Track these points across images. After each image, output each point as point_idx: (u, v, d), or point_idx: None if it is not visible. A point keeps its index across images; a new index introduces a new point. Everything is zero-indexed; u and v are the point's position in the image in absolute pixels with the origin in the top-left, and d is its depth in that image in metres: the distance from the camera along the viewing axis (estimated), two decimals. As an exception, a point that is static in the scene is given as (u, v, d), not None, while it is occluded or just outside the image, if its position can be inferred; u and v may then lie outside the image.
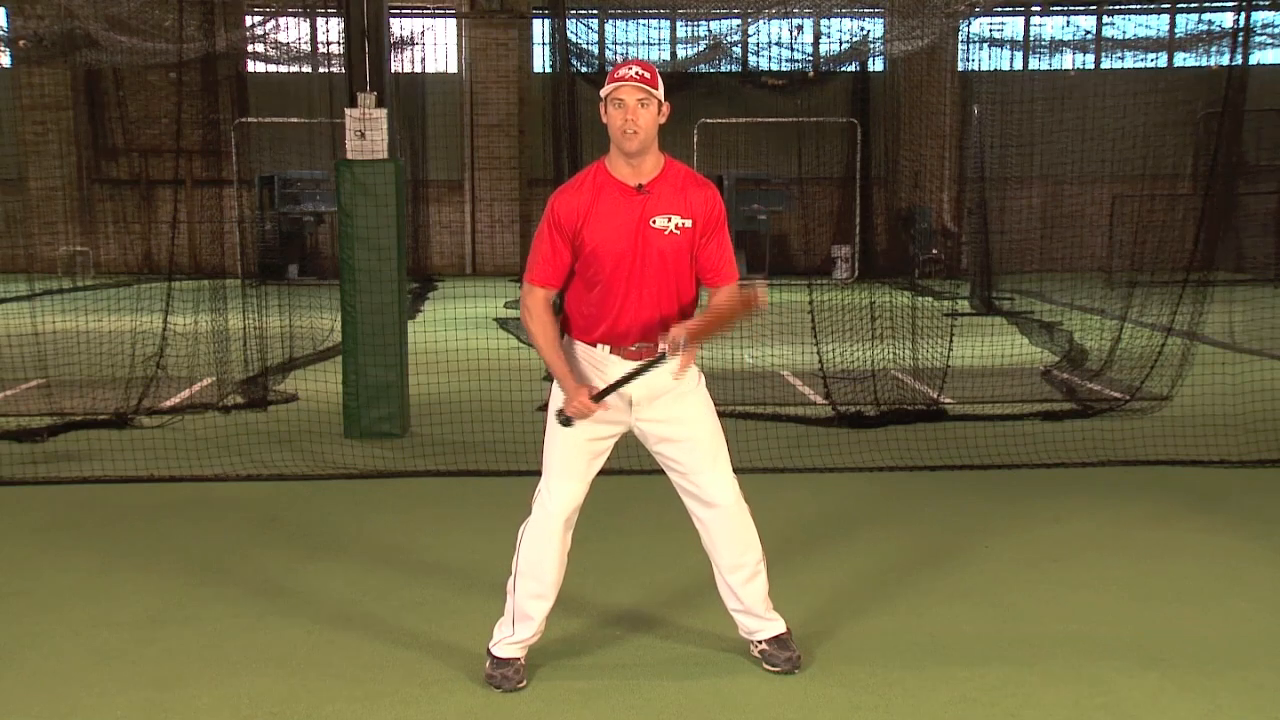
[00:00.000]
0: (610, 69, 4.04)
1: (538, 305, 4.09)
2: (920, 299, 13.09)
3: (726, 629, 4.47)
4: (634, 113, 3.91)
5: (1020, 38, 23.94)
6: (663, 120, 4.01)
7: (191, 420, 8.77)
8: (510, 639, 4.20)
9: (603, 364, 4.09)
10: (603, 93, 3.97)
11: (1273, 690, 4.16)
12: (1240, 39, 9.59)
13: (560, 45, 11.31)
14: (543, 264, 4.08)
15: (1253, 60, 11.65)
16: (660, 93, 3.96)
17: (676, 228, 4.01)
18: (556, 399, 4.18)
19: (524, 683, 4.16)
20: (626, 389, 4.06)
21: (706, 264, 4.08)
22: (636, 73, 3.93)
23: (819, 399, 9.29)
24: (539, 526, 4.15)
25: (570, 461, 4.14)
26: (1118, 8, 23.84)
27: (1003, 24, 22.74)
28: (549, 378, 4.23)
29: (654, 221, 4.00)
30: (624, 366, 4.06)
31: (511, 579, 4.20)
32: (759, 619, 4.31)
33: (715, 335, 4.19)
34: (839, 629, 4.68)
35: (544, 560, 4.15)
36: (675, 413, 4.13)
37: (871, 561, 5.58)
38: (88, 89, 23.42)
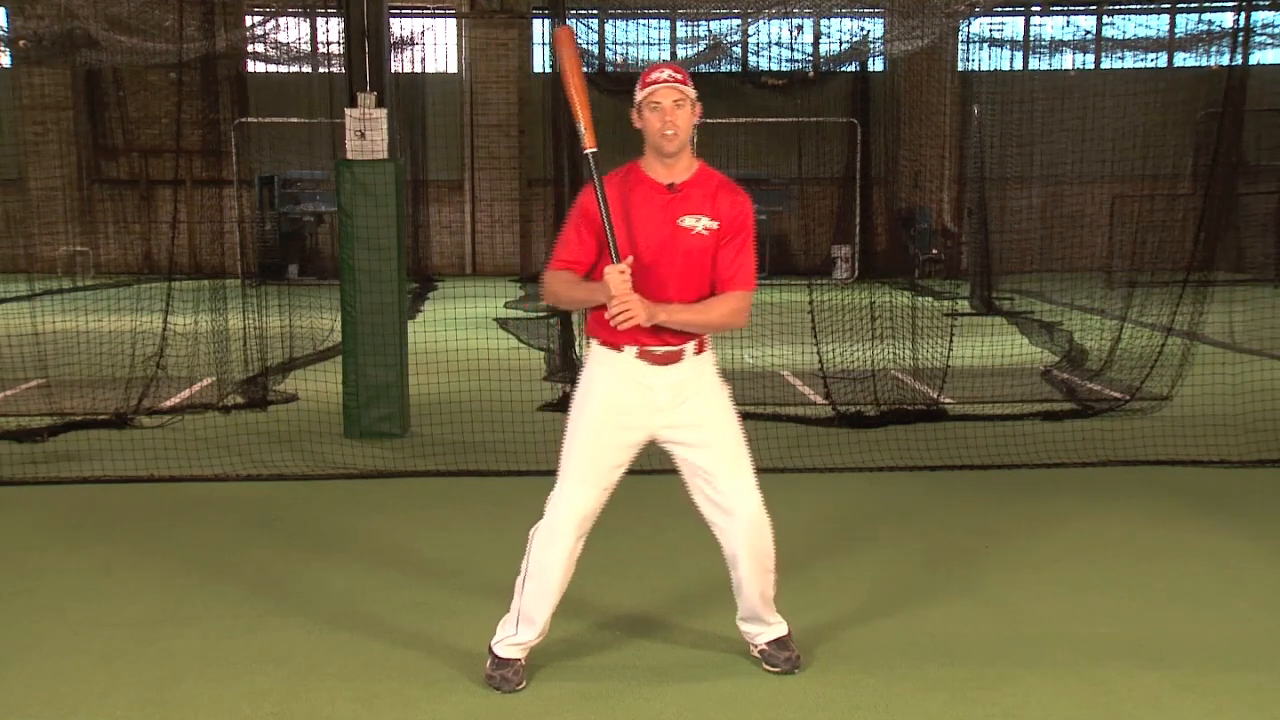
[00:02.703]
0: (641, 75, 4.05)
1: (557, 271, 4.08)
2: (920, 299, 13.08)
3: (726, 630, 4.47)
4: (671, 114, 3.95)
5: (1020, 38, 23.94)
6: (696, 120, 4.04)
7: (191, 420, 8.77)
8: (512, 639, 4.19)
9: (628, 369, 4.06)
10: (636, 98, 4.01)
11: (1273, 690, 4.16)
12: (1240, 39, 9.59)
13: (560, 45, 11.29)
14: (564, 250, 4.09)
15: (1253, 60, 11.65)
16: (693, 93, 4.00)
17: (704, 229, 4.02)
18: (581, 399, 4.14)
19: (524, 684, 4.16)
20: (652, 394, 4.04)
21: (719, 267, 4.06)
22: (669, 75, 3.98)
23: (819, 399, 9.29)
24: (549, 529, 4.12)
25: (587, 466, 4.10)
26: (1118, 8, 23.84)
27: (1003, 24, 22.74)
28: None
29: (682, 220, 4.02)
30: (649, 371, 4.05)
31: (521, 578, 4.18)
32: (763, 623, 4.31)
33: (685, 328, 4.07)
34: (839, 629, 4.68)
35: (552, 564, 4.12)
36: (698, 417, 4.11)
37: (871, 561, 5.58)
38: (88, 89, 23.41)
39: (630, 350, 4.05)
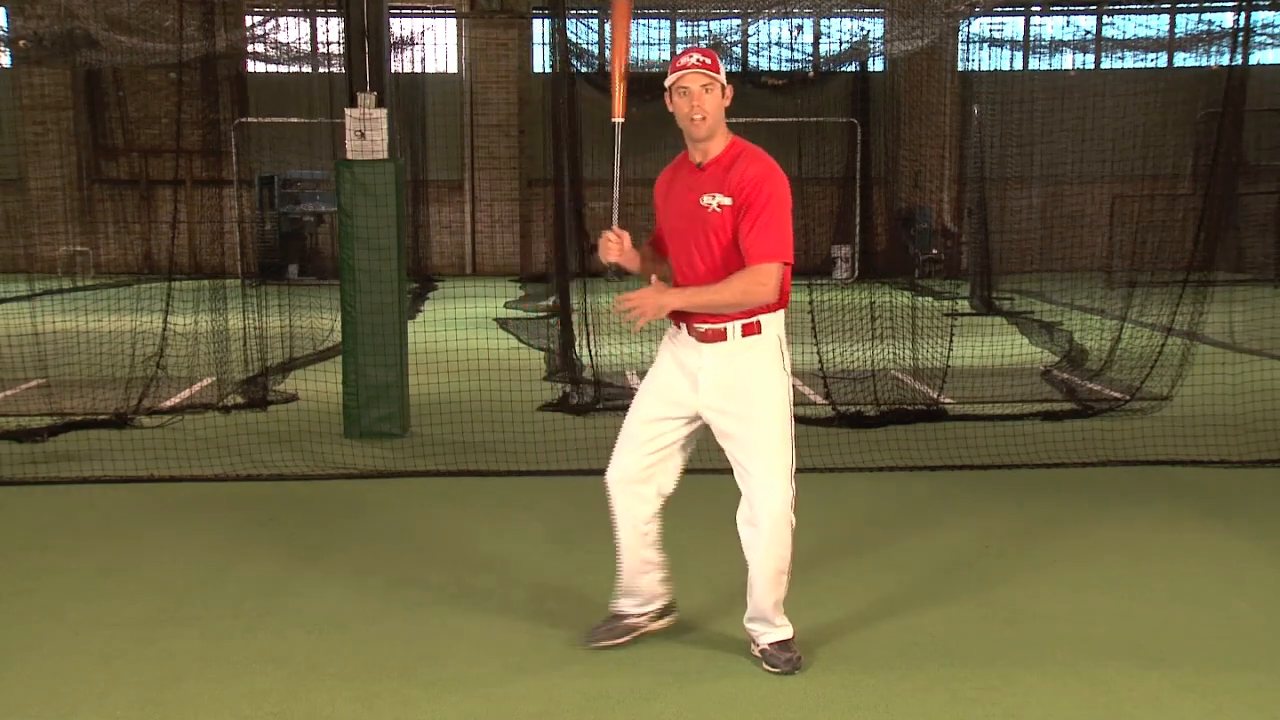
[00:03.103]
0: (671, 60, 4.14)
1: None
2: (920, 299, 13.09)
3: (726, 630, 4.48)
4: (699, 99, 4.03)
5: (1020, 38, 23.93)
6: (727, 103, 4.11)
7: (191, 420, 8.77)
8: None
9: (679, 345, 4.22)
10: (666, 83, 4.07)
11: (1273, 690, 4.16)
12: (1240, 39, 9.58)
13: (560, 45, 11.26)
14: (654, 233, 4.38)
15: (1253, 60, 11.63)
16: (722, 76, 4.07)
17: (719, 205, 4.08)
18: (650, 370, 4.36)
19: (609, 642, 4.43)
20: (694, 371, 4.16)
21: (739, 241, 4.07)
22: (698, 60, 4.05)
23: (819, 399, 9.29)
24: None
25: (630, 432, 4.29)
26: (1118, 8, 23.82)
27: (1003, 24, 22.71)
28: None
29: (702, 199, 4.09)
30: (694, 348, 4.15)
31: None
32: (769, 624, 4.33)
33: (701, 309, 4.12)
34: (839, 629, 4.69)
35: (615, 523, 4.38)
36: (741, 408, 4.15)
37: (871, 561, 5.59)
38: (88, 89, 23.40)
39: (683, 327, 4.19)
